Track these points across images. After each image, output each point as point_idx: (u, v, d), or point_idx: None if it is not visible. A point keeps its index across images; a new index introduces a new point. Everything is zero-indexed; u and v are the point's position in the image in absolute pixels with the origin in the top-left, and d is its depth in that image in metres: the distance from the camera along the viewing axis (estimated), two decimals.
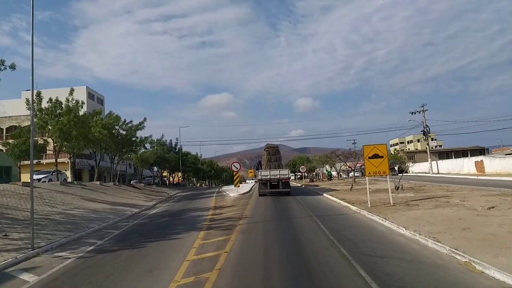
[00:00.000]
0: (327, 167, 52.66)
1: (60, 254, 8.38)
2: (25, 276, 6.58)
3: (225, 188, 36.66)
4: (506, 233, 7.34)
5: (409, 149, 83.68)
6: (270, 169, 22.68)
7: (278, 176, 21.30)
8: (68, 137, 24.58)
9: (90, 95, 46.25)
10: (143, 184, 41.46)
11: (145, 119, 35.20)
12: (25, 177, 27.98)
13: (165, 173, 61.82)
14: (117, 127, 33.18)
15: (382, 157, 13.35)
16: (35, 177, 24.20)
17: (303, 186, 34.35)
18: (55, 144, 26.05)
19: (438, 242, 7.00)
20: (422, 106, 42.58)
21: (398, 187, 18.83)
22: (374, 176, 14.24)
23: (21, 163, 25.96)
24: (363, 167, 35.11)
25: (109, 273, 6.55)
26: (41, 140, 28.11)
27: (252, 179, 49.14)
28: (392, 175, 17.45)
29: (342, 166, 49.57)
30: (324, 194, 20.72)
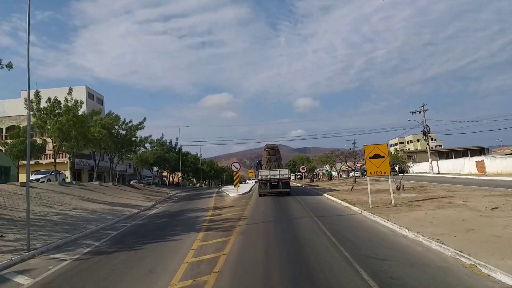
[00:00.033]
0: (327, 167, 52.53)
1: (56, 256, 8.24)
2: (20, 279, 6.46)
3: (225, 188, 36.52)
4: (511, 234, 7.19)
5: (409, 149, 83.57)
6: (270, 169, 22.55)
7: (278, 176, 21.17)
8: (67, 137, 24.46)
9: (90, 95, 46.14)
10: (142, 184, 41.34)
11: (144, 119, 35.20)
12: (23, 177, 27.82)
13: (165, 173, 61.72)
14: (116, 127, 33.10)
15: (383, 157, 13.19)
16: (33, 177, 24.09)
17: (303, 186, 34.21)
18: (54, 144, 25.92)
19: (442, 244, 6.85)
20: (422, 106, 42.47)
21: (400, 188, 18.66)
22: (375, 176, 14.08)
23: (20, 163, 25.84)
24: (363, 167, 35.00)
25: (105, 275, 6.40)
26: (40, 140, 27.99)
27: (252, 179, 49.05)
28: (393, 175, 17.29)
29: (342, 166, 49.42)
30: (325, 194, 20.57)
